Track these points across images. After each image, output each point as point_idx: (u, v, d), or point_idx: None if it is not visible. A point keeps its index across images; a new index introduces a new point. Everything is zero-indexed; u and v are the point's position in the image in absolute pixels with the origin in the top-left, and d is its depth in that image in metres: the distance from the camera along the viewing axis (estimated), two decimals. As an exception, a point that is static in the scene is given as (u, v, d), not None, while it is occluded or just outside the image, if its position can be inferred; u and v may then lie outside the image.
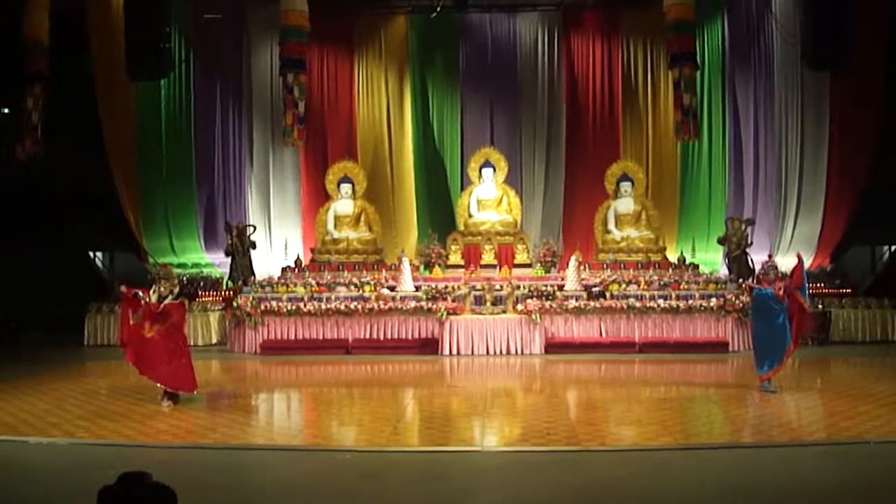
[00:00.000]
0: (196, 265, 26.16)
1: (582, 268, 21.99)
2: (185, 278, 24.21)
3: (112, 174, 25.41)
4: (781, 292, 13.46)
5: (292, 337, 20.43)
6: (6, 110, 26.05)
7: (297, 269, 23.22)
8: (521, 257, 23.52)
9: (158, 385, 12.67)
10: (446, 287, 21.27)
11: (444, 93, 28.41)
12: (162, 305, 12.73)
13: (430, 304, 20.27)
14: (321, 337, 20.36)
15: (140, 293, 12.97)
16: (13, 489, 7.70)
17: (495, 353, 19.52)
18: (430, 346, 19.85)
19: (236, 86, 27.99)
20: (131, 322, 12.89)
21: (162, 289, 12.86)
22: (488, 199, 24.94)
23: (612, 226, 24.37)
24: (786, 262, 22.89)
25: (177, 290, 13.09)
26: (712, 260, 25.64)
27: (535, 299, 20.33)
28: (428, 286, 21.33)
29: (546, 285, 21.32)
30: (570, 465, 8.88)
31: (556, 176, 27.91)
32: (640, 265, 22.78)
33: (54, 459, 9.45)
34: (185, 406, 12.42)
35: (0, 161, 23.71)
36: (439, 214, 27.41)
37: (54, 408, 12.37)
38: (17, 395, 13.64)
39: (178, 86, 26.91)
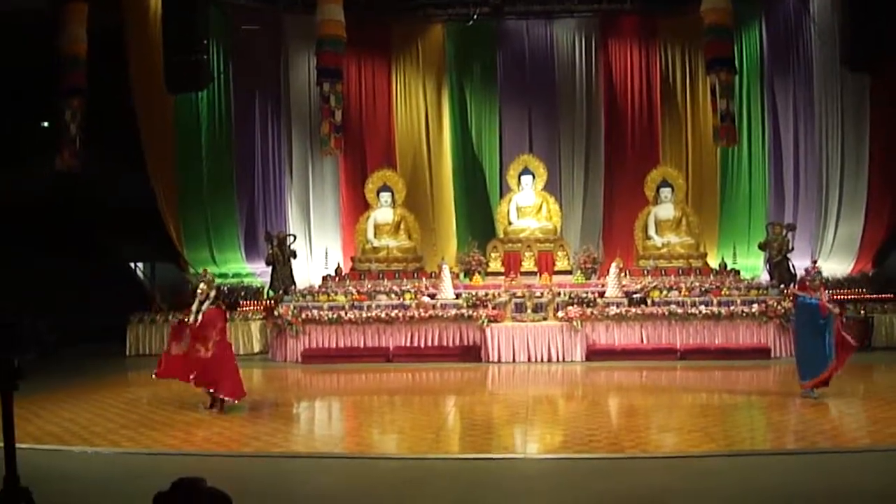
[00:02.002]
0: (237, 275, 26.22)
1: (622, 274, 21.89)
2: (226, 288, 24.36)
3: (152, 185, 25.58)
4: (826, 301, 13.33)
5: (333, 345, 20.51)
6: (45, 124, 26.36)
7: (337, 278, 23.23)
8: (561, 264, 23.40)
9: (221, 396, 12.75)
10: (486, 294, 21.20)
11: (482, 100, 28.39)
12: (200, 317, 12.81)
13: (470, 312, 20.25)
14: (362, 345, 20.44)
15: (182, 318, 13.11)
16: (59, 498, 7.76)
17: (536, 360, 19.52)
18: (470, 353, 19.88)
19: (275, 96, 28.06)
20: (175, 351, 13.00)
21: (199, 291, 13.01)
22: (528, 206, 24.89)
23: (652, 232, 24.17)
24: (827, 268, 22.82)
25: (213, 293, 13.17)
26: (753, 265, 25.37)
27: (575, 306, 20.23)
28: (468, 294, 21.29)
29: (587, 292, 21.20)
30: (612, 473, 8.87)
31: (595, 182, 27.82)
32: (680, 271, 22.58)
33: (99, 468, 9.55)
34: (228, 414, 12.51)
35: (40, 174, 23.98)
36: (479, 222, 27.40)
37: (98, 417, 12.52)
38: (62, 405, 13.80)
39: (217, 97, 26.97)
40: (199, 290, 13.03)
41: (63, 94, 22.74)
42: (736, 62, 24.10)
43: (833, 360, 13.16)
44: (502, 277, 22.61)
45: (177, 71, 21.77)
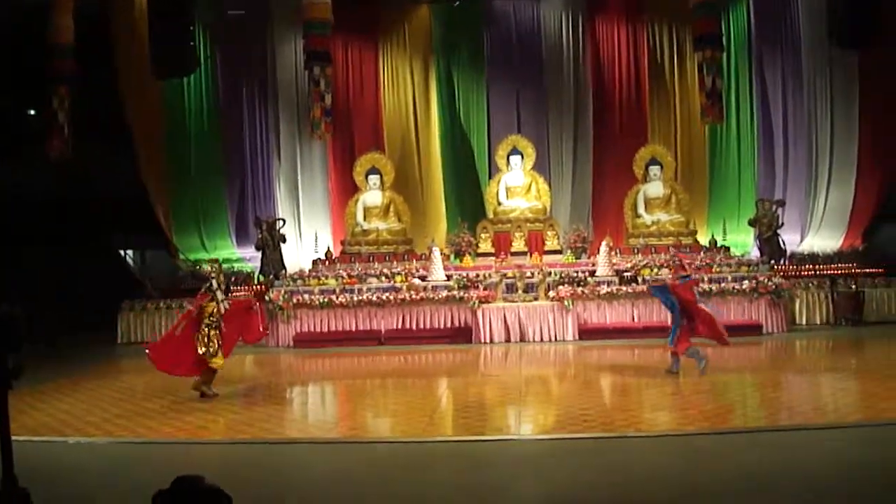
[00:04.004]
0: (227, 260, 26.01)
1: (613, 253, 21.95)
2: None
3: (141, 172, 25.55)
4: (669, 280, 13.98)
5: (325, 329, 20.53)
6: (32, 112, 26.31)
7: (327, 262, 23.26)
8: (551, 244, 23.45)
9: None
10: (477, 275, 21.28)
11: (470, 81, 28.27)
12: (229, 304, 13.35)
13: (461, 293, 20.31)
14: (354, 328, 20.46)
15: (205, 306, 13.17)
16: (55, 489, 7.76)
17: (528, 340, 19.54)
18: (462, 334, 19.90)
19: (262, 81, 27.98)
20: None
21: (215, 283, 13.13)
22: (517, 186, 24.91)
23: (641, 210, 24.21)
24: (817, 243, 22.91)
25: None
26: (743, 242, 25.39)
27: (566, 286, 20.27)
28: (459, 275, 21.34)
29: (577, 271, 21.26)
30: (606, 452, 8.91)
31: (584, 161, 27.73)
32: (671, 249, 22.64)
33: (95, 458, 9.56)
34: (222, 402, 12.55)
35: (28, 162, 23.94)
36: (468, 203, 27.36)
37: (93, 407, 12.51)
38: (57, 395, 13.78)
39: (205, 83, 27.02)
40: (214, 281, 13.17)
41: (50, 81, 22.70)
42: (724, 39, 24.13)
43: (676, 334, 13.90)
44: (492, 258, 22.65)
45: (163, 57, 21.76)
